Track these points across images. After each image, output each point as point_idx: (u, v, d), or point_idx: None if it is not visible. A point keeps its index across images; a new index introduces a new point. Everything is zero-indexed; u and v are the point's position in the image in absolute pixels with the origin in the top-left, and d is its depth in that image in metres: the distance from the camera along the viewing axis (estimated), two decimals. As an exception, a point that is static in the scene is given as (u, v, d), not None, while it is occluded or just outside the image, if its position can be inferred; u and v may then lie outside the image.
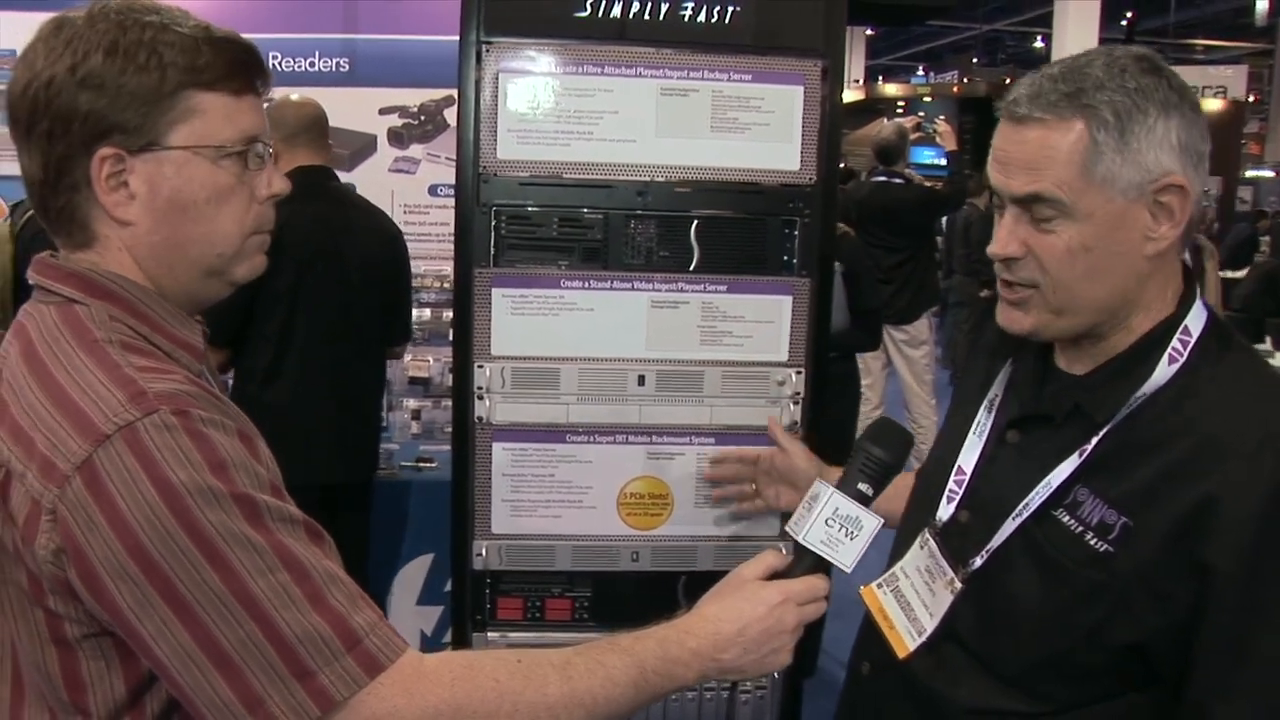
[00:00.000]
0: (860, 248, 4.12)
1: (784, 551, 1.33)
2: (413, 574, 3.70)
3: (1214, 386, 1.22)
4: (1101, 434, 1.24)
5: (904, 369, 6.09)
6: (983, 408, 1.41)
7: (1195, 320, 1.27)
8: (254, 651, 1.00)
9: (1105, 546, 1.20)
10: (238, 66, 1.14)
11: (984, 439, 1.39)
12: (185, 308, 1.18)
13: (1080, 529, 1.23)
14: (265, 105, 1.20)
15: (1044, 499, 1.26)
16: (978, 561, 1.31)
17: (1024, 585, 1.27)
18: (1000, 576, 1.29)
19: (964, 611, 1.32)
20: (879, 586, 1.43)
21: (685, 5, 1.82)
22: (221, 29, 1.14)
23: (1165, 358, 1.24)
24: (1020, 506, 1.28)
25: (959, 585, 1.32)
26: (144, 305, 1.13)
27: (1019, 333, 1.31)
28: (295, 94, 3.38)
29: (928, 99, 16.66)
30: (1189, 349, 1.25)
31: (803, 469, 1.80)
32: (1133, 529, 1.19)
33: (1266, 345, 11.87)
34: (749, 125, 1.84)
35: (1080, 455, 1.25)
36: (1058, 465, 1.26)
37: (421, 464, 3.75)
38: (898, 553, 1.45)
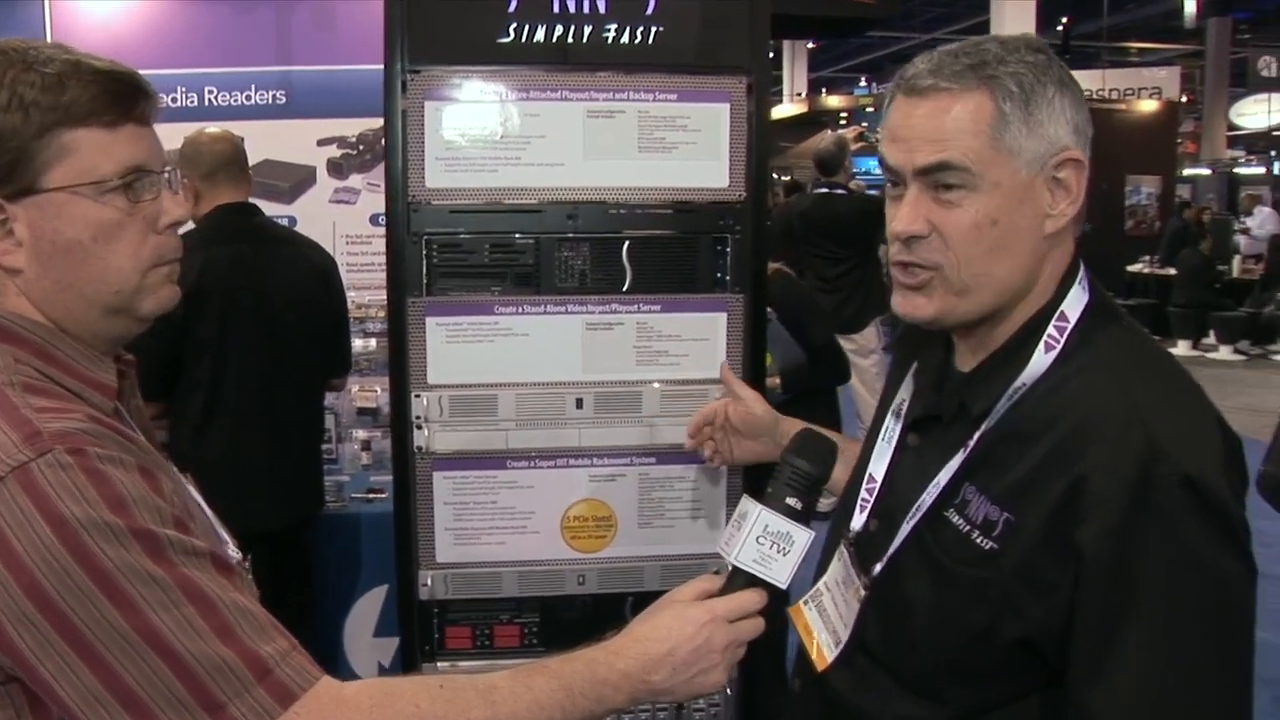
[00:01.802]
0: (793, 287, 3.72)
1: (721, 573, 1.32)
2: (368, 606, 3.65)
3: (1088, 370, 1.20)
4: (982, 429, 1.23)
5: (854, 379, 6.10)
6: (890, 414, 1.41)
7: (1073, 305, 1.25)
8: (160, 688, 0.98)
9: (991, 544, 1.18)
10: (109, 98, 1.10)
11: (892, 445, 1.38)
12: (98, 347, 1.16)
13: (968, 528, 1.21)
14: (182, 139, 1.17)
15: (934, 499, 1.25)
16: (877, 568, 1.30)
17: (916, 588, 1.26)
18: (897, 581, 1.28)
19: (870, 619, 1.31)
20: (805, 603, 1.42)
21: (608, 27, 1.83)
22: (95, 60, 1.11)
23: (1041, 346, 1.23)
24: (913, 509, 1.27)
25: (863, 593, 1.31)
26: (51, 346, 1.11)
27: (920, 320, 1.27)
28: (212, 127, 3.27)
29: (870, 109, 16.87)
30: (1066, 335, 1.23)
31: (759, 415, 1.77)
32: (1014, 523, 1.17)
33: (1210, 339, 12.12)
34: (676, 144, 1.85)
35: (965, 451, 1.23)
36: (946, 464, 1.25)
37: (372, 495, 3.71)
38: (823, 567, 1.44)
